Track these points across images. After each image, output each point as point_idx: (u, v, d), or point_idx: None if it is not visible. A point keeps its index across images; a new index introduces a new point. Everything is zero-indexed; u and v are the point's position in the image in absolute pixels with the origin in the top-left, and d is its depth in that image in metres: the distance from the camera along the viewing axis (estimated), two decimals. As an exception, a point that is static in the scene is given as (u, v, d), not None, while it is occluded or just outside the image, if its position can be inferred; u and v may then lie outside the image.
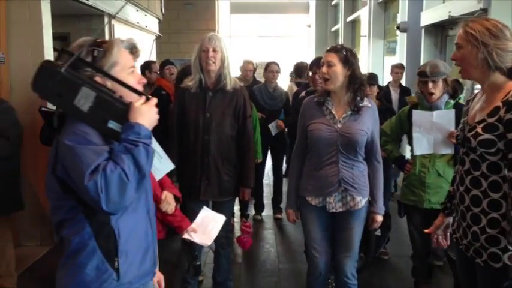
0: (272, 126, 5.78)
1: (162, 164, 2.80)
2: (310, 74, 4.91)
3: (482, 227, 2.18)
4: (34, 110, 3.71)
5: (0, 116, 3.61)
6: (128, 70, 1.83)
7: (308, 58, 8.85)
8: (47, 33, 4.95)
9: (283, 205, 5.84)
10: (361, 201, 3.01)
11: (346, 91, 2.99)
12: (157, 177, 2.78)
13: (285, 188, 5.00)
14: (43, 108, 3.72)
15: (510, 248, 2.08)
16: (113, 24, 7.55)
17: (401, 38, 8.36)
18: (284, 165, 6.81)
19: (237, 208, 5.60)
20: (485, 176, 2.17)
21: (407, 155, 4.10)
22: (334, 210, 3.01)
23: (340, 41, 13.30)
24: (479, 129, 2.16)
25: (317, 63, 4.31)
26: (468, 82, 5.99)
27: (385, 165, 3.32)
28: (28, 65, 4.83)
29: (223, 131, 3.45)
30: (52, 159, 1.75)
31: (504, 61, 2.12)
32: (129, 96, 1.78)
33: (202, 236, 2.94)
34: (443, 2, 7.15)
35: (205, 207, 3.24)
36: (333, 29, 15.29)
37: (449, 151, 3.48)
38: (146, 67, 6.25)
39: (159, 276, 2.16)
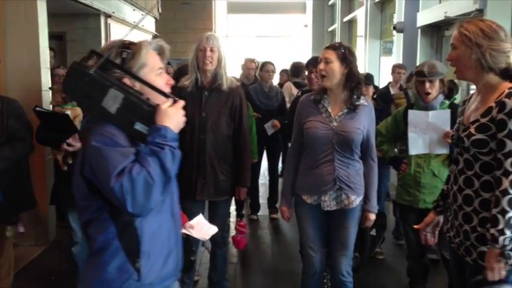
0: (268, 126, 5.78)
1: None
2: (307, 73, 4.91)
3: (473, 226, 2.21)
4: (29, 109, 3.73)
5: (12, 117, 3.57)
6: (156, 71, 1.85)
7: (305, 58, 8.86)
8: (43, 32, 4.94)
9: (278, 205, 5.85)
10: (356, 200, 3.02)
11: (343, 89, 2.99)
12: None
13: (280, 188, 5.02)
14: (37, 108, 3.73)
15: (492, 245, 2.10)
16: (109, 24, 7.53)
17: (398, 38, 8.38)
18: (280, 165, 6.81)
19: (232, 208, 5.60)
20: (478, 175, 2.19)
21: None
22: (328, 209, 3.01)
23: (337, 40, 13.31)
24: (472, 130, 2.18)
25: (313, 62, 4.31)
26: (464, 83, 6.01)
27: (380, 164, 3.33)
28: (24, 65, 4.83)
29: (219, 130, 3.45)
30: (80, 160, 1.77)
31: (497, 62, 2.13)
32: (156, 98, 1.79)
33: (199, 233, 2.94)
34: (440, 3, 7.17)
35: (201, 215, 3.24)
36: (330, 29, 15.31)
37: (445, 151, 3.49)
38: None
39: None
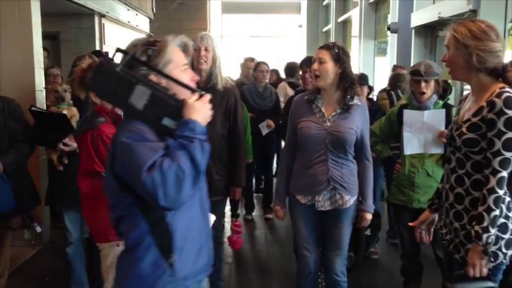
0: (262, 126, 5.78)
1: None
2: (301, 72, 4.91)
3: (463, 224, 2.25)
4: (24, 109, 3.72)
5: (13, 118, 3.54)
6: (181, 67, 1.86)
7: (299, 58, 8.86)
8: (37, 32, 4.92)
9: (273, 205, 5.84)
10: (350, 200, 3.02)
11: (336, 89, 3.00)
12: None
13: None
14: (33, 108, 3.72)
15: (476, 241, 2.12)
16: (104, 23, 7.52)
17: (392, 39, 8.42)
18: (275, 165, 6.82)
19: (227, 208, 5.60)
20: (469, 174, 2.22)
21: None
22: (322, 209, 3.01)
23: (331, 41, 13.33)
24: (464, 129, 2.21)
25: (307, 62, 4.32)
26: (458, 83, 6.04)
27: (374, 164, 3.33)
28: (17, 64, 4.81)
29: (214, 130, 3.44)
30: (110, 157, 1.78)
31: (484, 62, 2.15)
32: (182, 93, 1.80)
33: None
34: (433, 3, 7.20)
35: None
36: (324, 29, 15.34)
37: (439, 151, 3.50)
38: None
39: None
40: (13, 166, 3.45)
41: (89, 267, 3.79)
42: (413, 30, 7.43)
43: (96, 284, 3.68)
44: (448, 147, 2.39)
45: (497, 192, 2.09)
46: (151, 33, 10.45)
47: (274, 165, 6.81)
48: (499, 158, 2.09)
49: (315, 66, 2.99)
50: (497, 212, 2.10)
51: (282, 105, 5.86)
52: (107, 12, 7.49)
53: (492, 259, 2.14)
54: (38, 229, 3.81)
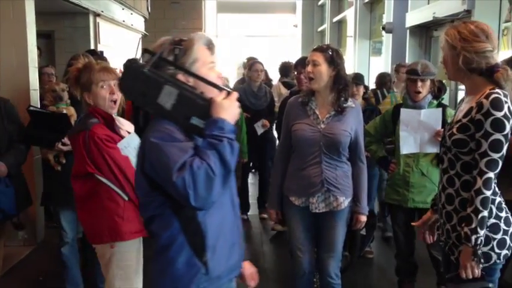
0: (257, 126, 5.78)
1: None
2: (296, 73, 4.92)
3: (453, 224, 2.26)
4: (19, 109, 3.70)
5: (9, 118, 3.52)
6: (208, 65, 1.86)
7: (294, 58, 8.86)
8: (31, 31, 4.90)
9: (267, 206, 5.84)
10: (344, 201, 3.02)
11: (330, 91, 2.99)
12: None
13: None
14: (31, 108, 3.70)
15: (465, 243, 2.14)
16: (98, 22, 7.49)
17: (387, 39, 8.43)
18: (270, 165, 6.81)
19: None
20: (459, 175, 2.24)
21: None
22: (317, 211, 3.01)
23: (327, 41, 13.36)
24: (454, 129, 2.23)
25: (302, 62, 4.31)
26: (452, 83, 6.06)
27: (369, 165, 3.34)
28: (12, 64, 4.78)
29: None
30: (140, 157, 1.78)
31: (471, 63, 2.17)
32: (210, 91, 1.79)
33: None
34: (428, 3, 7.22)
35: None
36: (320, 29, 15.36)
37: (435, 150, 3.50)
38: None
39: (251, 270, 2.15)
40: (15, 167, 3.43)
41: (83, 267, 3.78)
42: (408, 30, 7.45)
43: (90, 283, 3.68)
44: (441, 148, 2.40)
45: (484, 193, 2.10)
46: (147, 32, 10.44)
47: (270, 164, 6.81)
48: (485, 159, 2.11)
49: (309, 68, 2.99)
50: (485, 213, 2.11)
51: (277, 105, 5.87)
52: (102, 11, 7.46)
53: (482, 260, 2.15)
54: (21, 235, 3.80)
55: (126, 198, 2.67)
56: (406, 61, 7.08)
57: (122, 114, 3.05)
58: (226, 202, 1.89)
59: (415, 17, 7.23)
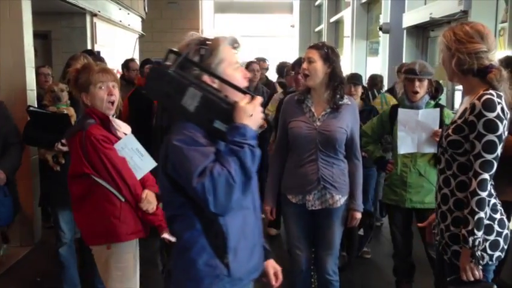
0: (255, 126, 5.77)
1: (143, 162, 2.78)
2: (293, 73, 4.91)
3: (447, 224, 2.27)
4: (15, 109, 3.70)
5: (3, 119, 3.50)
6: (234, 66, 1.86)
7: (291, 58, 8.86)
8: (28, 31, 4.89)
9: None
10: (341, 199, 3.03)
11: (326, 88, 3.00)
12: (139, 176, 2.76)
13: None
14: (31, 108, 3.69)
15: (463, 245, 2.15)
16: (95, 23, 7.48)
17: (384, 39, 8.45)
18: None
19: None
20: (455, 175, 2.25)
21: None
22: (313, 208, 3.02)
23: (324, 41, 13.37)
24: (450, 130, 2.24)
25: (299, 63, 4.31)
26: (449, 83, 6.07)
27: (366, 165, 3.34)
28: (9, 64, 4.77)
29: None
30: (163, 158, 1.78)
31: (464, 64, 2.18)
32: (234, 94, 1.79)
33: None
34: (425, 4, 7.23)
35: None
36: (317, 29, 15.38)
37: (433, 150, 3.50)
38: (125, 65, 6.21)
39: (275, 268, 2.14)
40: (13, 174, 3.42)
41: (81, 268, 3.77)
42: (405, 31, 7.47)
43: (88, 284, 3.67)
44: (439, 148, 2.41)
45: (479, 195, 2.11)
46: (144, 32, 10.43)
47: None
48: (479, 161, 2.11)
49: (305, 65, 3.00)
50: (481, 214, 2.11)
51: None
52: (99, 11, 7.46)
53: (480, 261, 2.15)
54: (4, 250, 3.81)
55: (123, 200, 2.66)
56: (403, 61, 7.09)
57: (119, 116, 3.05)
58: (248, 205, 1.89)
59: (412, 17, 7.25)
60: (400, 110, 3.56)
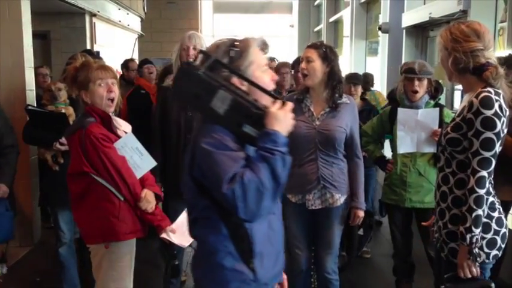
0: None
1: (143, 161, 2.77)
2: (293, 72, 4.91)
3: (445, 222, 2.28)
4: (15, 109, 3.70)
5: None
6: (262, 68, 1.84)
7: (291, 58, 8.84)
8: (27, 31, 4.89)
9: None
10: (340, 198, 3.04)
11: (324, 88, 3.00)
12: (139, 175, 2.75)
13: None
14: (30, 107, 3.69)
15: (461, 242, 2.15)
16: (94, 23, 7.48)
17: (383, 39, 8.43)
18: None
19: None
20: (454, 173, 2.26)
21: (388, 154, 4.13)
22: (313, 208, 3.02)
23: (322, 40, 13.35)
24: (448, 128, 2.25)
25: (299, 62, 4.31)
26: (449, 83, 6.06)
27: (366, 165, 3.34)
28: (8, 64, 4.77)
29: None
30: (189, 159, 1.76)
31: (459, 63, 2.18)
32: (263, 97, 1.77)
33: (181, 236, 2.91)
34: (424, 4, 7.23)
35: (185, 213, 3.21)
36: (316, 29, 15.36)
37: (432, 150, 3.50)
38: (124, 65, 6.21)
39: (284, 276, 2.13)
40: (11, 182, 3.42)
41: (81, 268, 3.77)
42: (404, 31, 7.45)
43: (87, 284, 3.66)
44: (439, 147, 2.42)
45: (477, 192, 2.12)
46: (143, 32, 10.43)
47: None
48: (477, 158, 2.12)
49: (303, 65, 3.00)
50: (479, 212, 2.12)
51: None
52: (98, 12, 7.46)
53: (477, 258, 2.16)
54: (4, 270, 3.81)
55: (122, 199, 2.66)
56: (403, 61, 7.09)
57: (118, 114, 3.05)
58: (274, 210, 1.87)
59: (411, 17, 7.24)
60: (400, 110, 3.55)
